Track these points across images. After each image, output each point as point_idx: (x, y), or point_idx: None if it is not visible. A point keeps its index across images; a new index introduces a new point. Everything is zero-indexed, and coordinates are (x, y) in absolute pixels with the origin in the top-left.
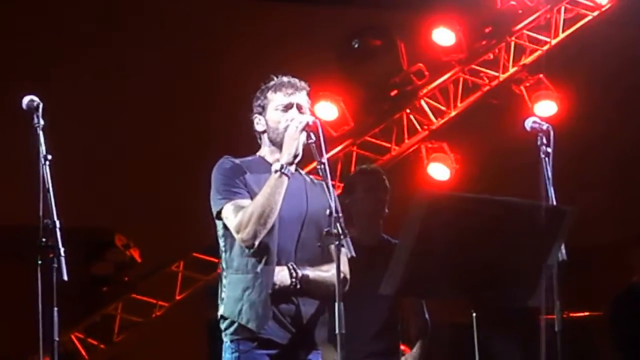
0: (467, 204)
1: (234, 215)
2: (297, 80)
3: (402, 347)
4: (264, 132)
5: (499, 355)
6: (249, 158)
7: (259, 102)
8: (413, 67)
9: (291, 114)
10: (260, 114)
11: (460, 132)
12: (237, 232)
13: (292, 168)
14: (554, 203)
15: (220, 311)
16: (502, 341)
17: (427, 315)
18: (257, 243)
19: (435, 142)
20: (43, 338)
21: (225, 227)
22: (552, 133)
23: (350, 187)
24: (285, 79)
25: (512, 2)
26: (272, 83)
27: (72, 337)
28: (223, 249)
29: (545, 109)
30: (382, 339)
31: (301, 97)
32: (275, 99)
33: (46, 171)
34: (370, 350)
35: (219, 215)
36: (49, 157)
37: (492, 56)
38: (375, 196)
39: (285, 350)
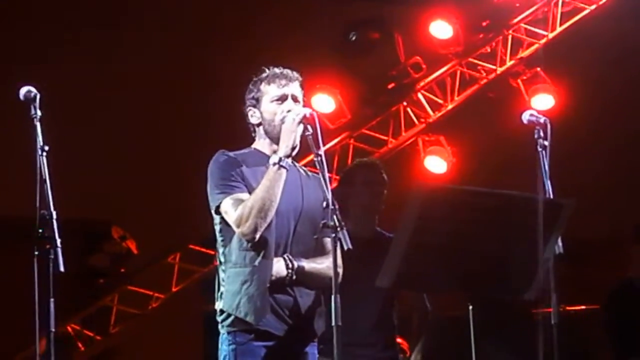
0: (464, 197)
1: (234, 210)
2: (289, 71)
3: (399, 340)
4: (259, 124)
5: (492, 351)
6: (245, 151)
7: (252, 94)
8: (410, 60)
9: (287, 105)
10: (254, 106)
11: (457, 125)
12: (238, 226)
13: (290, 160)
14: (551, 196)
15: (220, 305)
16: (495, 339)
17: (428, 308)
18: (257, 236)
19: (432, 135)
20: (39, 329)
21: (223, 221)
22: (549, 126)
23: (349, 179)
24: (277, 70)
25: None
26: (264, 75)
27: (69, 328)
28: (221, 243)
29: (542, 102)
30: (378, 332)
31: (295, 88)
32: (269, 91)
33: (43, 162)
34: (366, 342)
35: (217, 210)
36: (46, 148)
37: (489, 49)
38: (373, 190)
39: (282, 342)
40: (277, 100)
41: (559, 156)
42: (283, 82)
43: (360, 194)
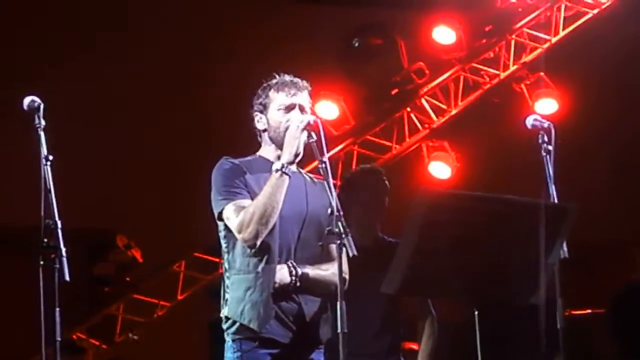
0: (469, 202)
1: (235, 216)
2: (299, 80)
3: (414, 346)
4: (264, 130)
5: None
6: (249, 158)
7: (261, 100)
8: (414, 65)
9: (293, 115)
10: (261, 112)
11: (461, 130)
12: (239, 232)
13: (293, 167)
14: (556, 201)
15: (224, 312)
16: (500, 345)
17: (433, 314)
18: (259, 243)
19: (436, 141)
20: (45, 338)
21: (227, 227)
22: (553, 131)
23: (350, 186)
24: (287, 78)
25: (512, 0)
26: (274, 81)
27: (74, 337)
28: (225, 249)
29: (545, 106)
30: (381, 339)
31: (303, 98)
32: (277, 99)
33: (47, 172)
34: (369, 351)
35: (220, 216)
36: (50, 157)
37: (492, 54)
38: (376, 197)
39: (287, 349)
40: (285, 109)
41: (563, 160)
42: (292, 91)
43: (363, 202)
